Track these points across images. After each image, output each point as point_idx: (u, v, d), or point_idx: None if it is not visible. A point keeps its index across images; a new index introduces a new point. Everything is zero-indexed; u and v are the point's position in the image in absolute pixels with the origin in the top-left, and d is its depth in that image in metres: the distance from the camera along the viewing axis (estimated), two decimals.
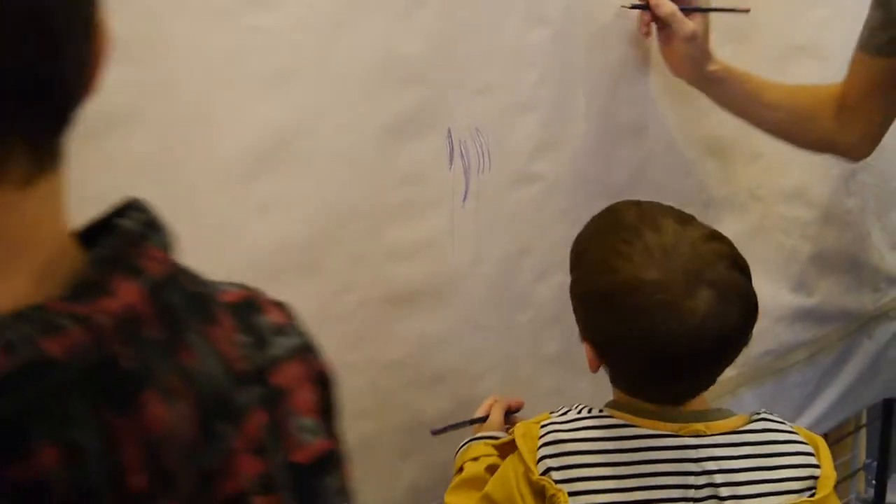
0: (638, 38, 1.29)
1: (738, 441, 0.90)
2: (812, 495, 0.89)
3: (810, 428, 1.77)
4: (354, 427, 1.07)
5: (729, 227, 1.15)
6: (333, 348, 1.04)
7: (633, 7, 1.24)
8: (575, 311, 0.95)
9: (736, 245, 0.90)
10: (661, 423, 0.90)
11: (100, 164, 0.86)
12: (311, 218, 1.00)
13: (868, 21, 1.27)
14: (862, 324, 1.85)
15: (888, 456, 2.09)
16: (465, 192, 1.13)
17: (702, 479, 0.87)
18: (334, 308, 1.04)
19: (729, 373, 1.01)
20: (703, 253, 0.85)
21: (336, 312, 1.05)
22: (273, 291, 0.97)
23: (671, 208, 0.92)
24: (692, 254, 0.85)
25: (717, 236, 0.89)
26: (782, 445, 0.91)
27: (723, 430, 0.90)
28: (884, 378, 1.96)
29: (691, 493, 0.87)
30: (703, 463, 0.88)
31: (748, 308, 0.87)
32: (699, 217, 0.93)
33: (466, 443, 1.07)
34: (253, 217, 0.95)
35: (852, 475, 2.18)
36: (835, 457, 2.02)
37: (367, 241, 1.06)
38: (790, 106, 1.34)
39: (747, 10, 1.28)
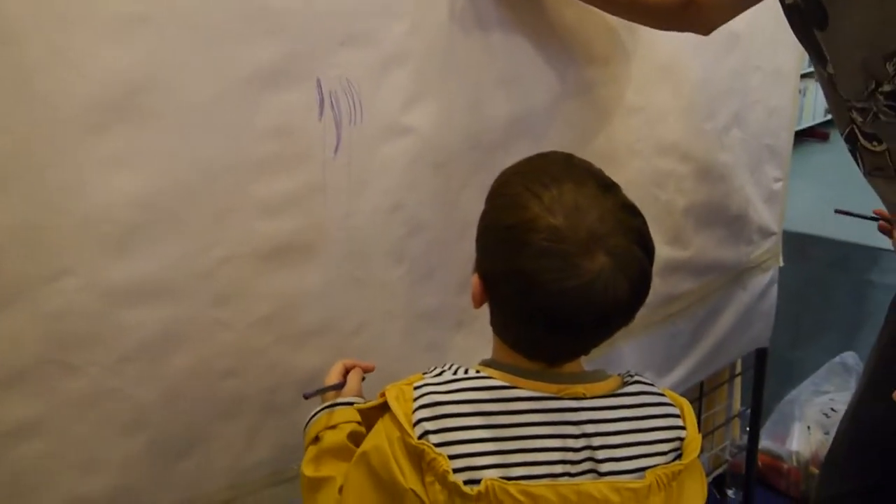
0: None
1: (615, 404, 0.91)
2: (678, 456, 0.91)
3: (687, 377, 1.84)
4: (222, 385, 1.07)
5: None
6: (199, 305, 1.04)
7: None
8: (476, 240, 0.95)
9: None
10: (542, 385, 0.89)
11: None
12: (171, 171, 0.98)
13: None
14: (736, 275, 1.91)
15: (761, 404, 2.17)
16: (337, 145, 1.12)
17: (580, 442, 0.88)
18: (199, 264, 1.03)
19: None
20: (613, 220, 0.85)
21: (201, 269, 1.03)
22: (136, 246, 0.96)
23: (600, 172, 0.91)
24: (602, 217, 0.85)
25: (633, 210, 0.89)
26: (653, 408, 0.93)
27: (601, 393, 0.91)
28: (757, 328, 2.03)
29: (570, 455, 0.87)
30: (583, 426, 0.88)
31: (640, 286, 0.87)
32: None
33: (320, 410, 1.04)
34: (105, 170, 0.93)
35: (727, 422, 2.26)
36: (711, 405, 2.11)
37: (233, 195, 1.04)
38: (643, 3, 1.36)
39: None
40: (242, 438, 1.12)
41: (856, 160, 1.20)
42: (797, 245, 2.12)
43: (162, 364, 1.02)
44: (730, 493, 2.25)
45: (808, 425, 2.30)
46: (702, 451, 0.94)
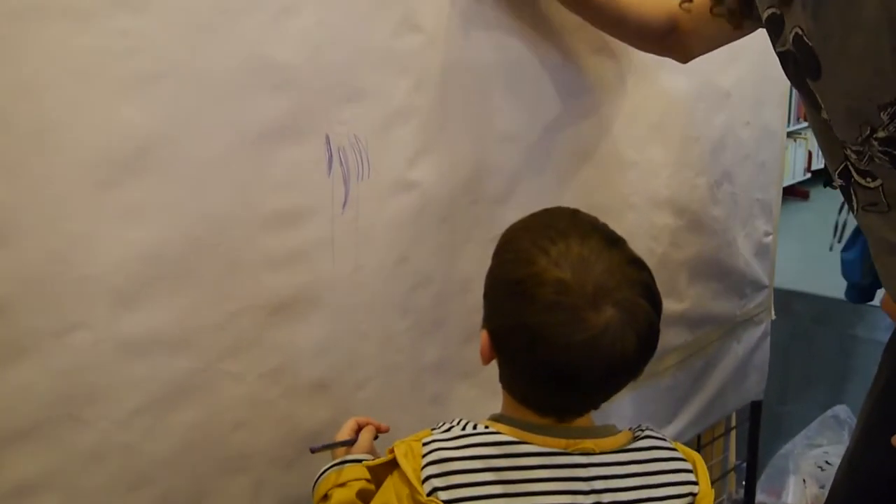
0: (511, 45, 1.29)
1: (626, 460, 0.89)
2: None
3: (685, 430, 1.83)
4: (230, 438, 1.06)
5: None
6: (210, 357, 1.03)
7: None
8: (485, 296, 0.93)
9: None
10: (551, 440, 0.88)
11: None
12: (183, 225, 0.98)
13: None
14: (730, 328, 1.91)
15: (757, 457, 2.15)
16: (345, 200, 1.12)
17: (590, 499, 0.86)
18: (211, 317, 1.02)
19: None
20: (620, 274, 0.85)
21: (212, 321, 1.02)
22: (147, 299, 0.95)
23: (605, 227, 0.91)
24: (609, 271, 0.84)
25: (639, 263, 0.88)
26: (665, 463, 0.91)
27: (611, 448, 0.90)
28: (752, 381, 2.03)
29: None
30: (592, 482, 0.87)
31: (648, 339, 0.86)
32: None
33: (330, 468, 1.02)
34: (118, 224, 0.93)
35: (724, 476, 2.24)
36: (707, 458, 2.09)
37: (243, 249, 1.04)
38: (633, 24, 1.37)
39: None
40: (249, 493, 1.10)
41: (848, 196, 1.20)
42: (782, 300, 2.13)
43: (172, 417, 1.01)
44: None
45: (803, 478, 2.28)
46: None
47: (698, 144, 1.67)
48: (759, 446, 2.15)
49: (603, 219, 0.93)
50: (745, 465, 2.17)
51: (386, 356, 1.22)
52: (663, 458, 0.92)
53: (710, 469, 2.05)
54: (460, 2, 1.21)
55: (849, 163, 1.14)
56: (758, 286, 1.95)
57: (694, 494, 0.90)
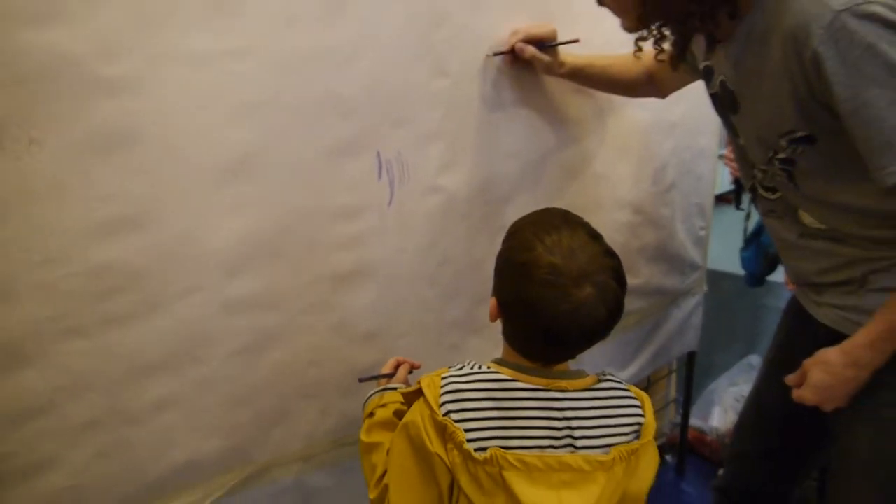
0: (513, 87, 1.29)
1: (590, 396, 0.89)
2: (637, 437, 0.89)
3: (638, 372, 1.82)
4: (306, 373, 1.06)
5: None
6: (292, 314, 1.03)
7: (496, 55, 1.22)
8: (495, 272, 0.92)
9: None
10: (536, 379, 0.88)
11: (110, 172, 0.83)
12: (274, 216, 0.98)
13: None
14: (673, 298, 1.89)
15: (691, 392, 2.14)
16: (391, 199, 1.12)
17: (562, 423, 0.86)
18: (293, 284, 1.03)
19: None
20: (598, 262, 0.84)
21: (294, 287, 1.03)
22: (246, 270, 0.95)
23: (588, 225, 0.90)
24: (590, 259, 0.84)
25: (612, 254, 0.88)
26: (620, 400, 0.91)
27: (580, 387, 0.89)
28: (688, 337, 2.01)
29: (554, 433, 0.86)
30: (565, 412, 0.87)
31: (615, 312, 0.86)
32: None
33: (375, 393, 1.03)
34: (227, 214, 0.93)
35: (666, 406, 2.23)
36: (654, 393, 2.08)
37: (317, 234, 1.04)
38: (619, 82, 1.36)
39: (577, 41, 1.27)
40: (318, 413, 1.11)
41: (755, 204, 1.20)
42: (712, 278, 2.10)
43: (263, 357, 1.01)
44: (668, 458, 2.21)
45: (724, 409, 2.26)
46: None
47: (652, 162, 1.65)
48: (693, 384, 2.14)
49: (580, 215, 0.92)
50: (682, 398, 2.15)
51: (419, 315, 1.22)
52: (619, 397, 0.91)
53: (655, 401, 2.04)
54: (478, 57, 1.21)
55: (756, 181, 1.14)
56: (695, 267, 1.92)
57: (641, 424, 0.90)
